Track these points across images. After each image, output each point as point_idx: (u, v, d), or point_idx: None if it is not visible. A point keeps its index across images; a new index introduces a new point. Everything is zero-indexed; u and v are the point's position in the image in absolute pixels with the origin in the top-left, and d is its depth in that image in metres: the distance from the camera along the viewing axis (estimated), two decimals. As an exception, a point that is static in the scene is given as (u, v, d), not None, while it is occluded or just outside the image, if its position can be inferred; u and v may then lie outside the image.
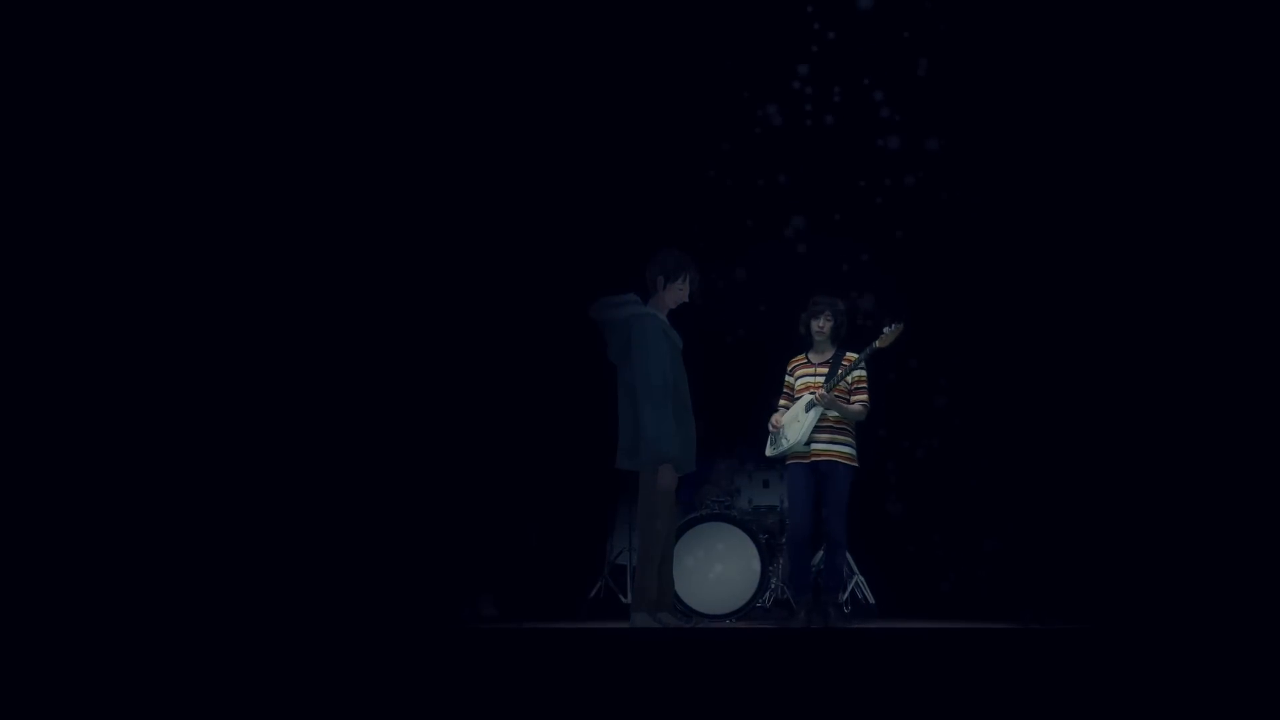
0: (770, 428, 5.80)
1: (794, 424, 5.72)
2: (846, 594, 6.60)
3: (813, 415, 5.66)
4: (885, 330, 5.63)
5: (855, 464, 5.71)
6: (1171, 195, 5.80)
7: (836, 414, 5.68)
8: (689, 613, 6.27)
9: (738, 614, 6.40)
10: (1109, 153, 6.05)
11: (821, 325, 5.79)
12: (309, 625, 4.91)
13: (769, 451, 5.85)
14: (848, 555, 6.37)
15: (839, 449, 5.68)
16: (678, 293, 5.37)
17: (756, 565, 6.44)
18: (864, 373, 5.77)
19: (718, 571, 6.45)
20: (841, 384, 5.72)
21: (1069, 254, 6.29)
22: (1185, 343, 5.74)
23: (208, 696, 3.55)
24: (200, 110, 5.28)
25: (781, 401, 5.89)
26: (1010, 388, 6.73)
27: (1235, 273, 5.59)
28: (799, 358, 5.92)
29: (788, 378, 5.91)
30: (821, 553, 6.05)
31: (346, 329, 5.79)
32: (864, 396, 5.73)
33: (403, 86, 5.99)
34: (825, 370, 5.74)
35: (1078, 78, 6.05)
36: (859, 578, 6.81)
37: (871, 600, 6.79)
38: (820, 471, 5.66)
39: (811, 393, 5.71)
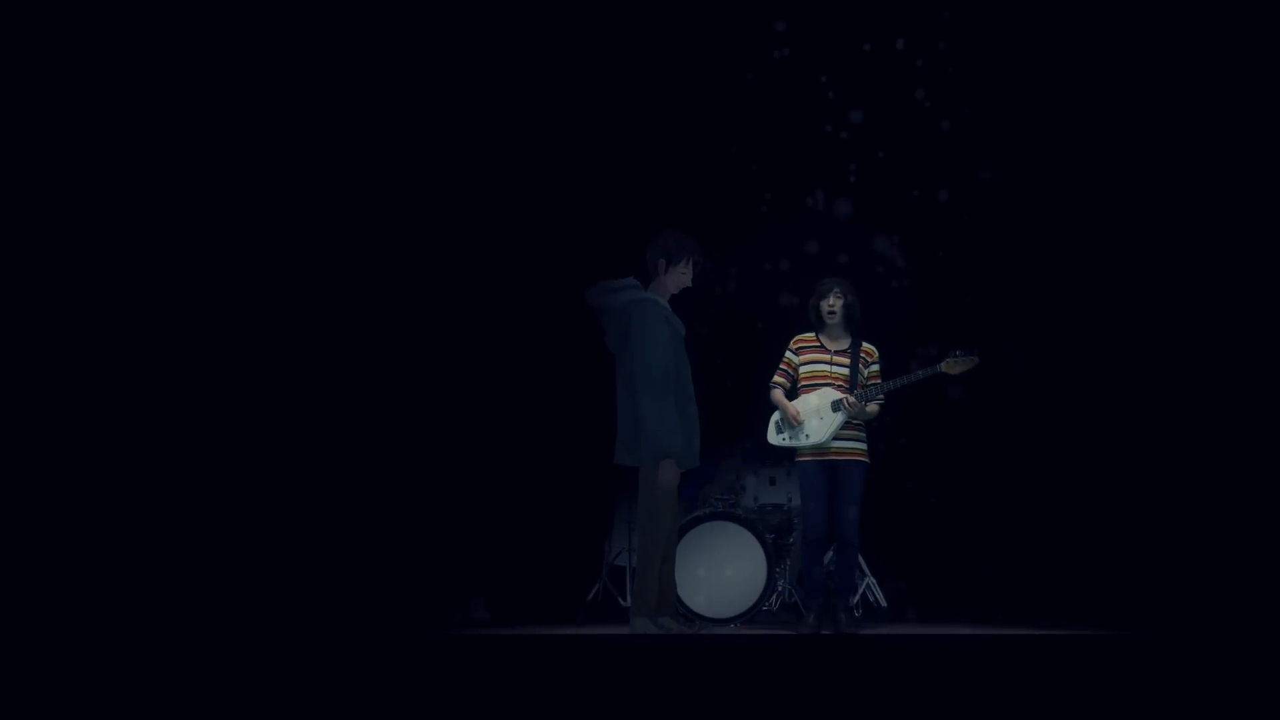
0: (792, 419, 5.62)
1: (816, 421, 5.58)
2: (857, 596, 6.55)
3: (839, 418, 5.54)
4: (957, 355, 5.48)
5: (869, 460, 5.63)
6: (1173, 198, 5.96)
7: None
8: (691, 617, 6.22)
9: (743, 618, 6.31)
10: (1101, 156, 6.24)
11: (832, 304, 5.62)
12: (288, 630, 4.91)
13: (778, 440, 5.72)
14: (859, 556, 6.29)
15: (855, 445, 5.58)
16: (680, 277, 5.31)
17: (763, 566, 6.37)
18: (879, 366, 5.67)
19: (722, 573, 6.37)
20: (859, 378, 5.62)
21: (1088, 250, 6.37)
22: (1206, 343, 5.81)
23: (192, 700, 3.55)
24: (197, 110, 5.41)
25: (778, 379, 5.71)
26: (1029, 388, 6.76)
27: (1250, 280, 5.69)
28: (807, 336, 5.73)
29: (790, 355, 5.73)
30: (832, 553, 5.96)
31: (332, 320, 5.83)
32: (880, 396, 5.63)
33: (392, 68, 6.03)
34: (842, 361, 5.60)
35: (1085, 82, 6.23)
36: (870, 579, 6.77)
37: (884, 603, 6.74)
38: (836, 468, 5.57)
39: (832, 385, 5.58)
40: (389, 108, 6.05)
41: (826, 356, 5.65)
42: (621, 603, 6.68)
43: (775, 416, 5.73)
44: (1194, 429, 5.84)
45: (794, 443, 5.63)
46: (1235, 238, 5.77)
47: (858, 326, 5.71)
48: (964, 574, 7.03)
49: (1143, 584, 5.81)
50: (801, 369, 5.69)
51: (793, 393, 5.71)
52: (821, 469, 5.57)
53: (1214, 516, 5.69)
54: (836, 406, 5.53)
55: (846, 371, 5.59)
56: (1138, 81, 6.08)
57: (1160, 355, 6.06)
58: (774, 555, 6.42)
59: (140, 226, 5.30)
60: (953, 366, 5.48)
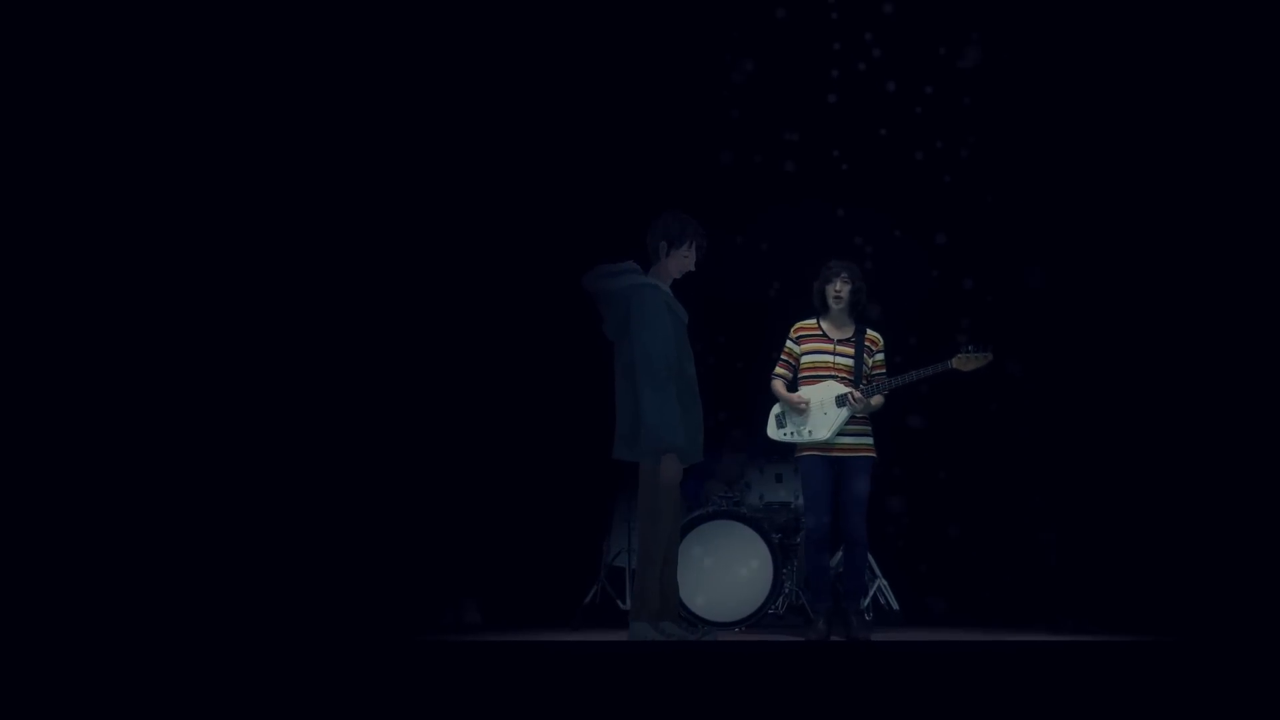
0: (795, 405, 5.54)
1: (819, 417, 5.51)
2: (868, 599, 6.53)
3: (844, 414, 5.47)
4: (969, 351, 5.38)
5: (875, 455, 5.57)
6: (1198, 193, 6.02)
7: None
8: (694, 621, 6.19)
9: (748, 621, 6.29)
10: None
11: (839, 289, 5.55)
12: (264, 635, 4.92)
13: (778, 435, 5.66)
14: (869, 556, 6.24)
15: (861, 440, 5.53)
16: (682, 261, 5.27)
17: (769, 567, 6.34)
18: (884, 355, 5.61)
19: (726, 575, 6.35)
20: (864, 369, 5.55)
21: (1111, 240, 6.45)
22: (1234, 341, 5.86)
23: (177, 703, 3.57)
24: (190, 108, 5.58)
25: (780, 370, 5.65)
26: (1050, 385, 6.80)
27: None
28: (808, 324, 5.66)
29: (791, 344, 5.67)
30: (840, 554, 5.91)
31: (319, 313, 5.90)
32: (886, 390, 5.57)
33: (384, 55, 6.13)
34: (846, 351, 5.55)
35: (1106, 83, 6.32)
36: (881, 581, 6.75)
37: (896, 606, 6.72)
38: (840, 464, 5.51)
39: (836, 378, 5.51)
40: (380, 95, 6.14)
41: (829, 346, 5.58)
42: (621, 606, 6.66)
43: (775, 409, 5.67)
44: (1218, 427, 5.87)
45: (796, 439, 5.57)
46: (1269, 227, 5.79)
47: (863, 314, 5.64)
48: (979, 576, 7.02)
49: (1172, 588, 5.79)
50: (803, 359, 5.62)
51: (793, 385, 5.67)
52: (825, 465, 5.50)
53: (1245, 518, 5.68)
54: (842, 402, 5.46)
55: (851, 363, 5.53)
56: (1157, 76, 6.16)
57: (1183, 350, 6.10)
58: (780, 556, 6.40)
59: (138, 227, 5.41)
60: (965, 363, 5.40)
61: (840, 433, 5.48)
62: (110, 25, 5.37)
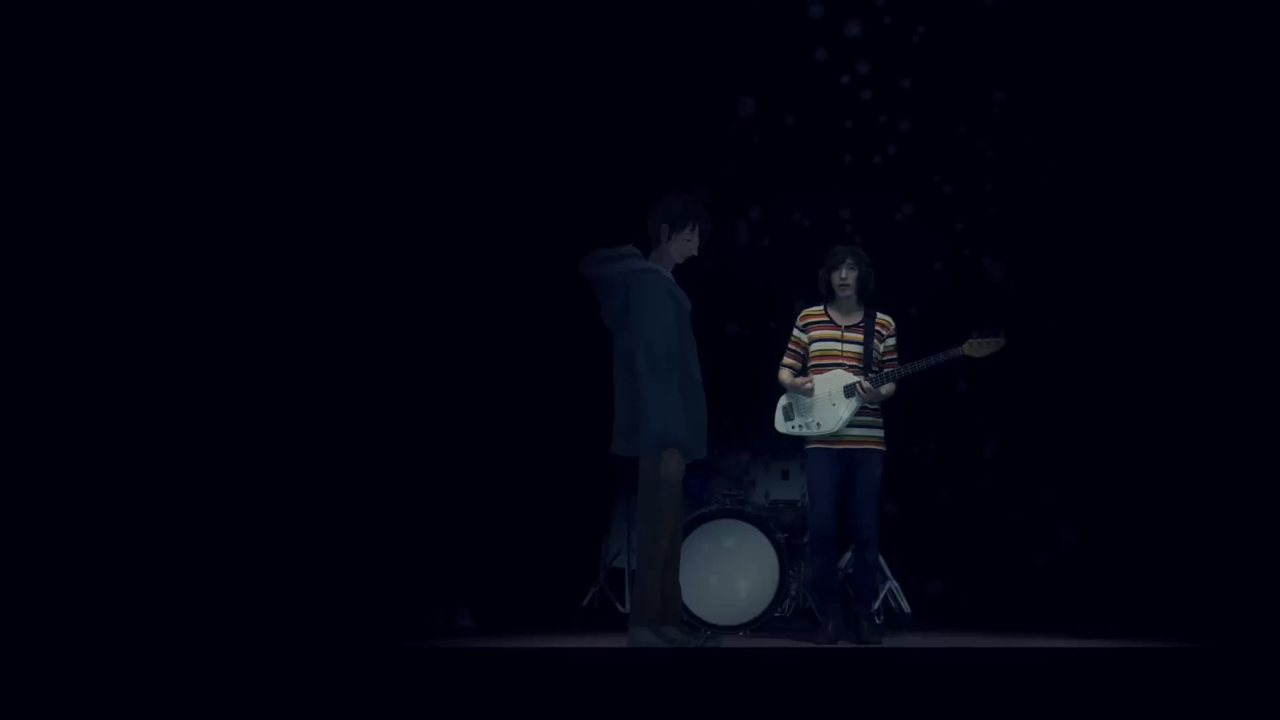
0: (802, 388, 5.51)
1: (827, 408, 5.49)
2: (879, 602, 6.49)
3: (853, 404, 5.44)
4: (978, 338, 5.35)
5: (885, 447, 5.55)
6: (1222, 180, 6.09)
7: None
8: (697, 625, 6.17)
9: (753, 625, 6.29)
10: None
11: (845, 275, 5.53)
12: (253, 641, 4.90)
13: (786, 428, 5.63)
14: (880, 557, 6.22)
15: (871, 433, 5.50)
16: (685, 245, 5.20)
17: (774, 569, 6.32)
18: (895, 340, 5.58)
19: (730, 576, 6.34)
20: (874, 356, 5.51)
21: (1134, 242, 6.54)
22: (1266, 343, 5.94)
23: (162, 709, 3.60)
24: (187, 108, 5.69)
25: (787, 360, 5.65)
26: (1069, 381, 6.85)
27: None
28: (815, 311, 5.65)
29: (799, 333, 5.65)
30: (850, 554, 5.90)
31: (309, 313, 5.95)
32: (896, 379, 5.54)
33: (371, 36, 6.18)
34: (855, 338, 5.53)
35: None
36: (892, 583, 6.73)
37: (907, 609, 6.68)
38: (849, 459, 5.48)
39: (845, 366, 5.49)
40: (374, 86, 6.18)
41: (837, 333, 5.56)
42: (620, 609, 6.70)
43: (783, 401, 5.66)
44: (1252, 419, 5.82)
45: (805, 431, 5.54)
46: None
47: (871, 298, 5.61)
48: (995, 578, 7.00)
49: (1201, 592, 5.77)
50: (811, 347, 5.58)
51: (802, 375, 5.65)
52: (833, 459, 5.49)
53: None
54: (850, 391, 5.43)
55: (860, 349, 5.51)
56: (1169, 68, 6.21)
57: (1217, 349, 6.13)
58: (787, 556, 6.37)
59: (136, 227, 5.48)
60: (976, 349, 5.37)
61: (849, 424, 5.45)
62: (110, 25, 5.42)
